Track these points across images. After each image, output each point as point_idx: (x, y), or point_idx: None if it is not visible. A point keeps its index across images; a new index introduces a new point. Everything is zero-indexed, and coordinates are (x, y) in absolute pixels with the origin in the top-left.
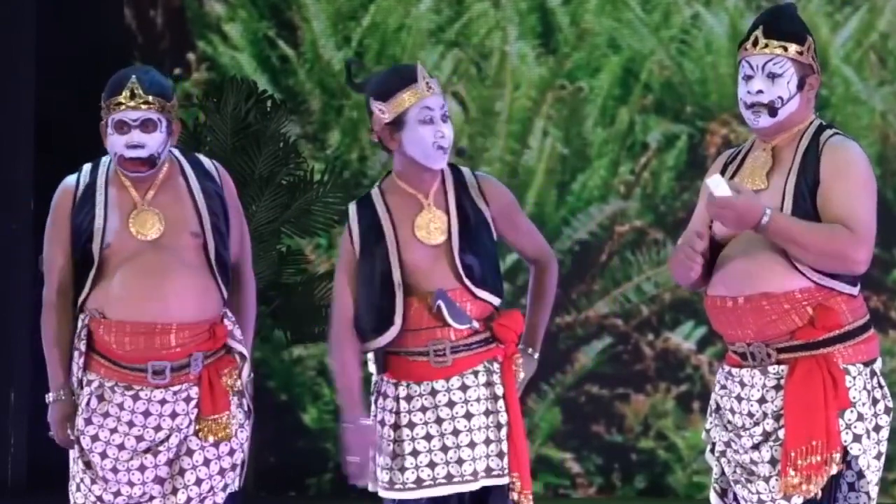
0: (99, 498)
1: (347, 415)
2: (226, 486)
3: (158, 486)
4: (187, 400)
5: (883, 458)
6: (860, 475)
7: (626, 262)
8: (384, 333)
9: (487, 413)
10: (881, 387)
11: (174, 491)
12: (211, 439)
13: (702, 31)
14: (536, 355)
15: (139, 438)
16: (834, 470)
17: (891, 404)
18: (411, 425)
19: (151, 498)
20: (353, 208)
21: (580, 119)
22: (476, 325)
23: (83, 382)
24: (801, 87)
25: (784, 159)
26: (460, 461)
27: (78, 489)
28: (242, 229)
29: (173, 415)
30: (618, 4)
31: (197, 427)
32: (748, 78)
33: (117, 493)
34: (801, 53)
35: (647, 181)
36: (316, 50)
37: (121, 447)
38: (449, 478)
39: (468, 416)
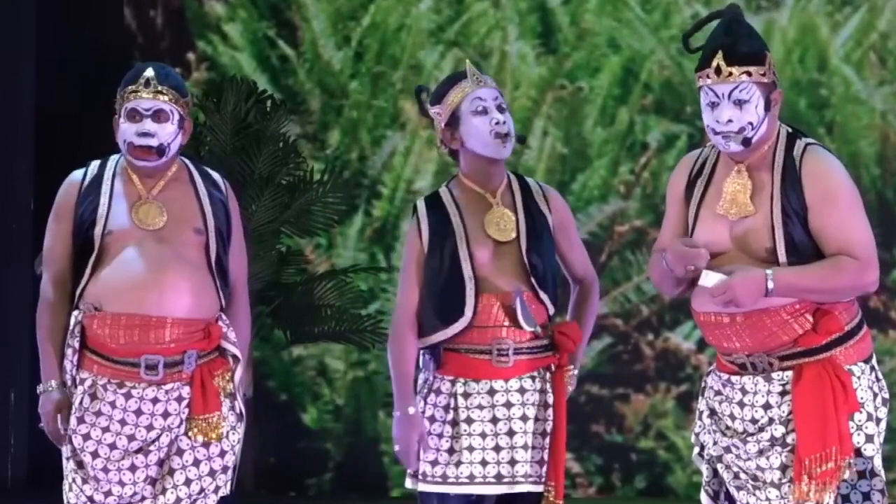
0: (90, 498)
1: (398, 403)
2: (217, 488)
3: (150, 486)
4: (179, 399)
5: (880, 448)
6: (873, 474)
7: (626, 262)
8: (452, 325)
9: (537, 419)
10: (878, 380)
11: (163, 491)
12: (200, 439)
13: (702, 31)
14: (576, 372)
15: (131, 438)
16: (847, 475)
17: (887, 395)
18: (469, 421)
19: (143, 498)
20: (421, 205)
21: (580, 119)
22: (539, 329)
23: (76, 381)
24: (767, 107)
25: (763, 182)
26: (513, 462)
27: (70, 489)
28: (241, 246)
29: (165, 414)
30: (618, 4)
31: (187, 426)
32: (713, 105)
33: (108, 493)
34: (763, 74)
35: (647, 181)
36: (316, 50)
37: (112, 446)
38: (499, 478)
39: (524, 418)
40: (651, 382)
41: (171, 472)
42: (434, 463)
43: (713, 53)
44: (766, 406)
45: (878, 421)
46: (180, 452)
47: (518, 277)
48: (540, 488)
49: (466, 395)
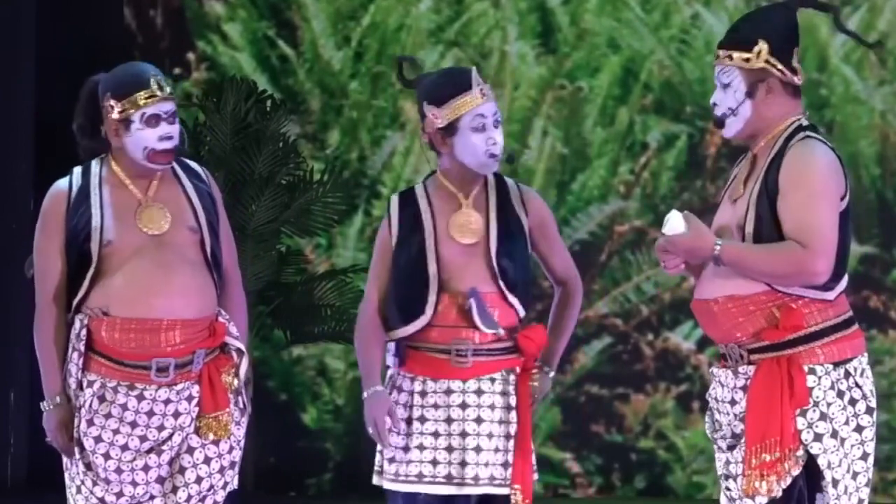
0: (101, 500)
1: (365, 384)
2: (225, 484)
3: (159, 485)
4: (189, 399)
5: (871, 459)
6: (820, 476)
7: (625, 262)
8: (412, 322)
9: (500, 422)
10: (859, 386)
11: (174, 489)
12: (211, 437)
13: (701, 30)
14: (552, 374)
15: (143, 438)
16: (796, 470)
17: (873, 404)
18: (422, 420)
19: (152, 497)
20: (395, 199)
21: (580, 119)
22: (501, 331)
23: (83, 384)
24: (750, 94)
25: (758, 166)
26: (463, 463)
27: (78, 491)
28: (228, 230)
29: (176, 414)
30: (618, 4)
31: (198, 424)
32: (717, 87)
33: (119, 494)
34: (747, 60)
35: (647, 181)
36: (316, 50)
37: (124, 448)
38: (449, 478)
39: (479, 420)
40: (651, 382)
41: (182, 470)
42: (391, 460)
43: None
44: (732, 402)
45: (861, 429)
46: (191, 450)
47: (485, 279)
48: (505, 491)
49: (423, 394)
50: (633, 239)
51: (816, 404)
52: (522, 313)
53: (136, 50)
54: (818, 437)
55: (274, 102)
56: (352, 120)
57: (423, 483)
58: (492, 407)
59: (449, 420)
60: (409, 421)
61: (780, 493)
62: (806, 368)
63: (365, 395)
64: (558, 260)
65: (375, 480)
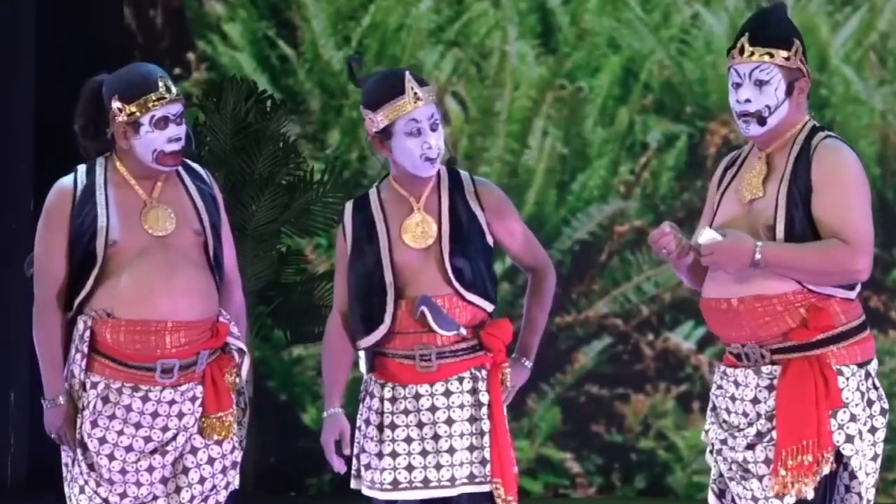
0: (105, 500)
1: (325, 402)
2: (228, 484)
3: (163, 485)
4: (193, 399)
5: (879, 460)
6: (852, 476)
7: (625, 262)
8: (373, 332)
9: (472, 420)
10: (876, 388)
11: (178, 490)
12: (215, 437)
13: (702, 30)
14: (530, 364)
15: (147, 439)
16: (826, 470)
17: (886, 406)
18: (393, 426)
19: (155, 498)
20: (348, 207)
21: (580, 119)
22: (464, 331)
23: (86, 385)
24: (789, 92)
25: (777, 166)
26: (438, 466)
27: (82, 491)
28: (229, 233)
29: (180, 415)
30: (618, 4)
31: (201, 425)
32: (737, 86)
33: (123, 495)
34: (788, 59)
35: (647, 181)
36: (316, 50)
37: (129, 449)
38: (426, 482)
39: (449, 421)
40: (651, 382)
41: (185, 470)
42: (367, 467)
43: (741, 35)
44: (755, 401)
45: (874, 430)
46: (194, 451)
47: (441, 283)
48: (486, 488)
49: (393, 400)
50: (633, 239)
51: (846, 405)
52: (490, 308)
53: (136, 50)
54: (850, 439)
55: (274, 102)
56: (352, 120)
57: (398, 490)
58: (461, 406)
59: (420, 424)
60: (380, 427)
61: (810, 495)
62: (835, 369)
63: (324, 415)
64: (523, 248)
65: (353, 484)
